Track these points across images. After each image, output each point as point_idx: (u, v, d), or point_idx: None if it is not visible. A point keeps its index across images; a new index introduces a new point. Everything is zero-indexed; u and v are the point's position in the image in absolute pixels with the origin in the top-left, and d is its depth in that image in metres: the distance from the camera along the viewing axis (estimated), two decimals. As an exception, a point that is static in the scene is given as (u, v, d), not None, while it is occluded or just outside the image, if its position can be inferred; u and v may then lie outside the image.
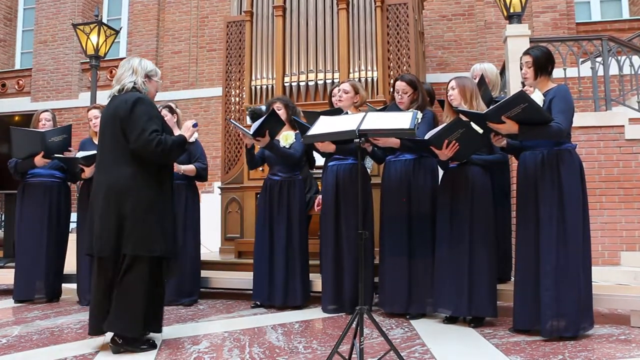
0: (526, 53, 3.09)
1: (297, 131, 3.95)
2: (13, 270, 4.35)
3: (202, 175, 4.27)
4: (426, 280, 3.40)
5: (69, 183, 4.57)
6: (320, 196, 3.97)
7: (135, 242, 2.70)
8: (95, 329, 2.80)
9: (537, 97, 2.96)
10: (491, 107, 2.90)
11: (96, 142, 4.30)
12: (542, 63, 3.03)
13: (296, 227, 3.92)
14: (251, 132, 3.67)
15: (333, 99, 4.03)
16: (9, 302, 4.27)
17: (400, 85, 3.60)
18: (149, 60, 3.03)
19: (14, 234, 4.53)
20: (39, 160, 4.17)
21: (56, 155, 4.14)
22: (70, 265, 4.42)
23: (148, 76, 2.93)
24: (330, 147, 3.64)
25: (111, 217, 2.71)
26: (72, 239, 4.41)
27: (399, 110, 3.54)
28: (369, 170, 4.24)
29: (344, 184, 3.71)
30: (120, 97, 2.84)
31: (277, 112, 3.78)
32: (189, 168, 4.19)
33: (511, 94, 4.91)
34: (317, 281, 3.98)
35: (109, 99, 2.91)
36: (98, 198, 2.79)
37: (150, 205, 2.75)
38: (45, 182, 4.34)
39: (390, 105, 3.83)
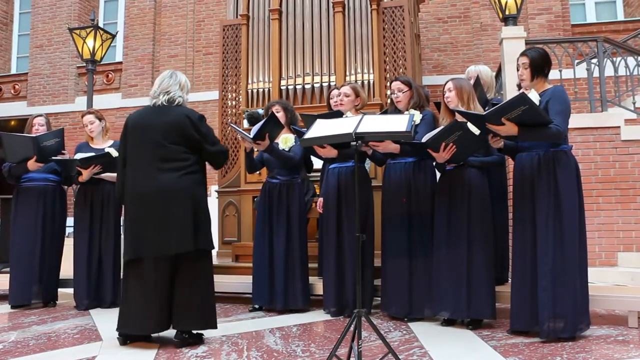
0: (523, 54, 3.08)
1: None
2: (9, 275, 4.32)
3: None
4: (425, 283, 3.39)
5: (64, 187, 4.54)
6: (322, 198, 3.95)
7: (206, 238, 3.00)
8: (150, 328, 2.94)
9: (534, 97, 2.95)
10: (491, 109, 2.90)
11: (93, 146, 4.32)
12: (538, 64, 3.03)
13: (296, 230, 3.91)
14: (251, 136, 3.67)
15: (331, 101, 4.03)
16: (5, 308, 4.25)
17: (395, 84, 3.65)
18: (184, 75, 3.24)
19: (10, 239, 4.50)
20: (32, 164, 4.12)
21: (53, 157, 4.12)
22: (66, 269, 4.40)
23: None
24: (332, 153, 3.62)
25: (182, 217, 2.90)
26: (68, 243, 4.38)
27: (398, 113, 3.55)
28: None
29: (346, 187, 3.70)
30: (176, 108, 3.01)
31: (276, 114, 3.78)
32: None
33: (507, 96, 4.95)
34: (316, 284, 3.97)
35: (153, 105, 3.05)
36: (161, 200, 2.90)
37: (206, 205, 3.07)
38: (39, 186, 4.30)
39: (389, 109, 3.84)
